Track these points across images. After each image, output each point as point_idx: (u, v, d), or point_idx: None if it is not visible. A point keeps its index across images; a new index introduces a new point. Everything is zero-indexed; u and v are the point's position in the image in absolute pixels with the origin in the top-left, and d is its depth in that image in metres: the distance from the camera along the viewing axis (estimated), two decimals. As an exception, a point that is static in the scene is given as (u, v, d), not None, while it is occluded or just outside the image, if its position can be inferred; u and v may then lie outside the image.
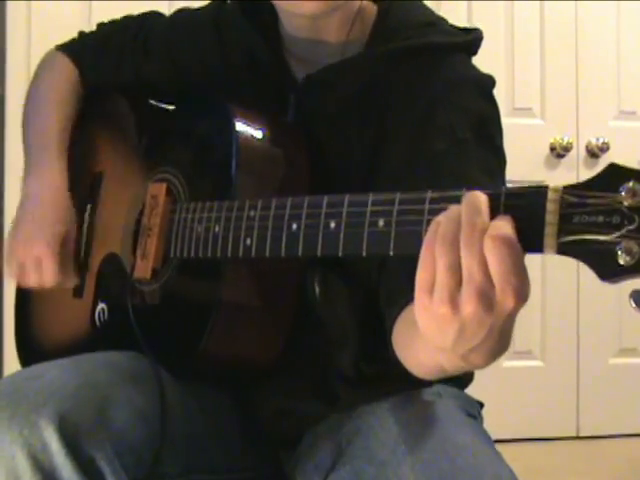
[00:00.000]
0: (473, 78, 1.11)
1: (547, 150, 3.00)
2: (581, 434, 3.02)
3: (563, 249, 0.68)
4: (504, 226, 0.69)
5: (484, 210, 0.71)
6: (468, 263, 0.69)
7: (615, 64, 3.06)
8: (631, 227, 0.64)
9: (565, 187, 0.68)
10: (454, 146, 1.03)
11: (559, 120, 3.01)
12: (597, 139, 2.99)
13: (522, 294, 0.69)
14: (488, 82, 1.12)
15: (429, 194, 0.76)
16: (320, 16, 1.10)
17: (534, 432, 2.95)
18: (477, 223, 0.70)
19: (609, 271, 0.65)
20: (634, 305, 0.66)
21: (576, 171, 2.99)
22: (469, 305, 0.69)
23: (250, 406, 1.16)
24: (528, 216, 0.69)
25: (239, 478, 1.15)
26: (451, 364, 0.78)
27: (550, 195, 0.68)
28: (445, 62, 1.10)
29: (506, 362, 2.90)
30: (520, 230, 0.70)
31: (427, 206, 0.76)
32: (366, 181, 1.08)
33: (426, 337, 0.76)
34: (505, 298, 0.69)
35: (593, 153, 3.00)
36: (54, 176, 1.29)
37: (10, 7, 2.62)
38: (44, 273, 1.23)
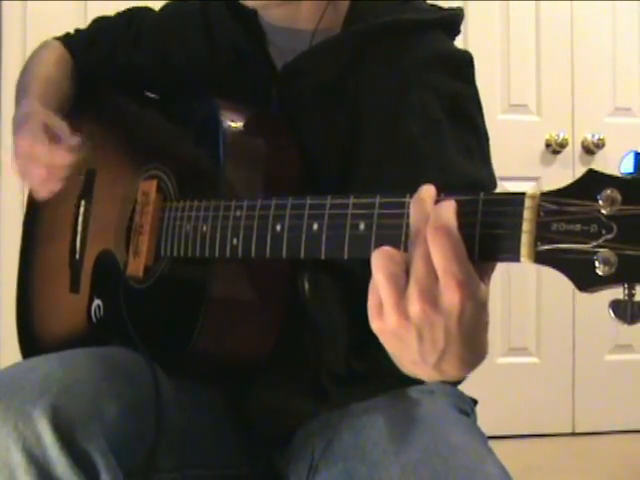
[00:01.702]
0: (445, 55, 1.10)
1: (543, 146, 3.00)
2: (577, 430, 3.02)
3: (540, 258, 0.66)
4: (444, 213, 0.69)
5: (428, 202, 0.71)
6: (414, 260, 0.69)
7: (610, 61, 3.06)
8: (609, 236, 0.63)
9: (543, 194, 0.67)
10: (429, 127, 1.02)
11: (555, 116, 3.01)
12: (593, 135, 2.99)
13: (467, 288, 0.68)
14: (462, 58, 1.11)
15: (407, 199, 0.75)
16: (264, 7, 1.14)
17: (530, 429, 2.96)
18: (422, 218, 0.70)
19: (587, 282, 0.64)
20: (613, 315, 0.64)
21: (572, 167, 3.00)
22: (413, 304, 0.69)
23: (242, 403, 1.16)
24: (505, 224, 0.68)
25: (232, 474, 1.15)
26: (427, 375, 0.78)
27: (527, 202, 0.67)
28: (418, 40, 1.09)
29: (501, 358, 2.91)
30: (497, 238, 0.69)
31: (406, 210, 0.75)
32: (347, 168, 1.08)
33: (396, 356, 0.77)
34: (449, 292, 0.68)
35: (589, 149, 3.01)
36: (32, 103, 1.28)
37: (5, 7, 2.62)
38: (39, 156, 1.18)
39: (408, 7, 1.14)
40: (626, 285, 0.64)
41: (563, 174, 2.97)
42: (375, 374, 1.06)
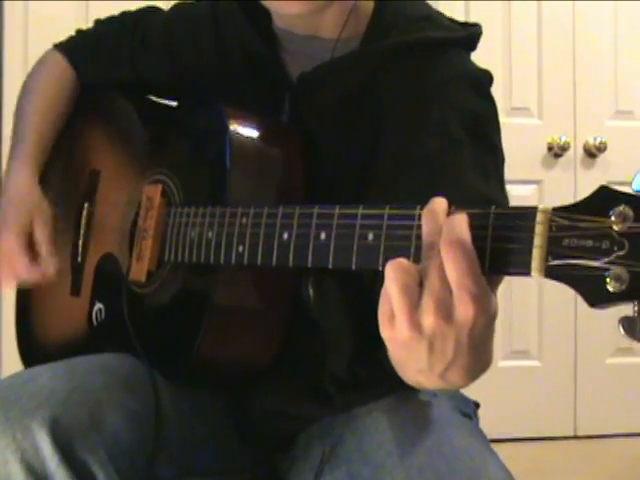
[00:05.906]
0: (468, 74, 1.09)
1: (544, 150, 3.00)
2: (578, 433, 3.02)
3: (551, 273, 0.67)
4: (458, 226, 0.69)
5: (441, 215, 0.71)
6: (428, 273, 0.70)
7: (612, 63, 3.06)
8: (621, 253, 0.63)
9: (555, 209, 0.67)
10: (448, 145, 1.02)
11: (556, 120, 3.01)
12: (594, 139, 2.99)
13: (480, 302, 0.69)
14: (484, 78, 1.10)
15: (417, 210, 0.75)
16: (305, 15, 1.10)
17: (531, 432, 2.95)
18: (434, 231, 0.70)
19: (598, 298, 0.65)
20: (623, 332, 0.65)
21: (573, 171, 3.00)
22: (428, 316, 0.69)
23: (244, 408, 1.16)
24: (516, 238, 0.69)
25: (234, 480, 1.14)
26: (431, 384, 0.78)
27: (539, 217, 0.68)
28: (441, 58, 1.09)
29: (503, 362, 2.90)
30: (508, 252, 0.69)
31: (416, 222, 0.75)
32: (362, 181, 1.07)
33: (400, 364, 0.77)
34: (463, 305, 0.68)
35: (590, 153, 3.01)
36: (22, 173, 1.28)
37: (7, 7, 2.62)
38: (16, 267, 1.21)
39: (431, 24, 1.13)
40: (636, 302, 0.64)
41: (565, 177, 2.98)
42: (378, 379, 1.06)
